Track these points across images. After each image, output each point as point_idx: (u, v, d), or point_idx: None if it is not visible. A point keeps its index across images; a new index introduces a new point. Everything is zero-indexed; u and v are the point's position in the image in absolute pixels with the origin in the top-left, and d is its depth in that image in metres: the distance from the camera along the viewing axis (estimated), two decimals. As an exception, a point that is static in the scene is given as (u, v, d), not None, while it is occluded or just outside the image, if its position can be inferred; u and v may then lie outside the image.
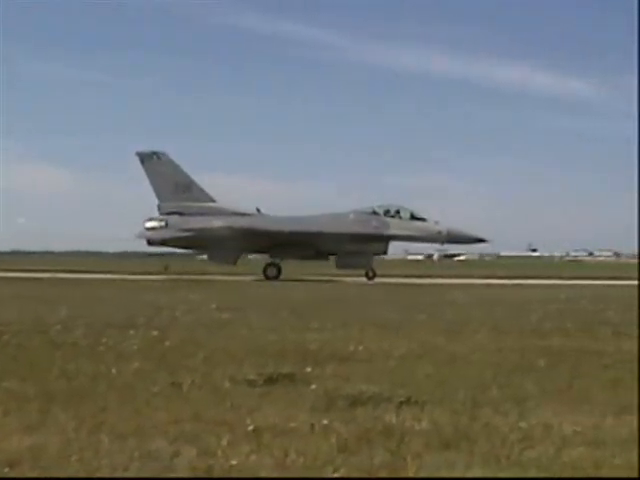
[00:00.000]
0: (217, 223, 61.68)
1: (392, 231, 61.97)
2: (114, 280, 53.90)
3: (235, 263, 63.59)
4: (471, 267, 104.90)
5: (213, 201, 64.06)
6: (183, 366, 14.26)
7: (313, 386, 12.38)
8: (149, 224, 63.27)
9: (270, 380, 12.78)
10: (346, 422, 9.88)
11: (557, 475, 7.94)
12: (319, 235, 60.88)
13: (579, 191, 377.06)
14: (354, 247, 60.76)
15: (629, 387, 12.62)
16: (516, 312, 27.42)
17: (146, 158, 63.94)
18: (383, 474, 7.92)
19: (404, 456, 8.42)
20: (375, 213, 62.88)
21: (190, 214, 62.57)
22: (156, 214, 63.89)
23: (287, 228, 60.92)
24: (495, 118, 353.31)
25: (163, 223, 62.73)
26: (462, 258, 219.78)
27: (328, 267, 65.16)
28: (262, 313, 25.81)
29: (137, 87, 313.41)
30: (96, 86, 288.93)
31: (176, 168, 64.06)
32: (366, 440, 9.07)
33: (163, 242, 64.04)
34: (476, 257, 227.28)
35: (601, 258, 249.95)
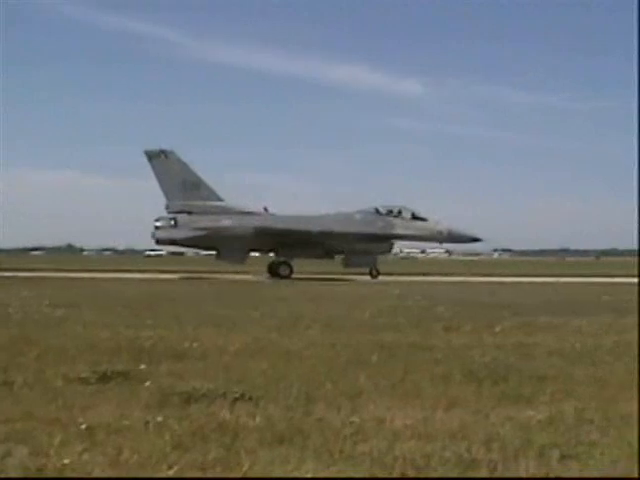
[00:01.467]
0: (227, 222, 61.40)
1: (397, 231, 62.99)
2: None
3: (244, 262, 63.16)
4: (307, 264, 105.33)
5: (221, 200, 63.26)
6: (14, 364, 13.96)
7: (147, 383, 12.33)
8: (158, 223, 62.01)
9: (104, 378, 12.66)
10: (180, 419, 9.89)
11: (389, 468, 8.12)
12: (329, 234, 61.23)
13: (408, 191, 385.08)
14: (362, 246, 61.58)
15: (458, 381, 12.98)
16: (349, 308, 27.78)
17: (154, 156, 62.57)
18: (217, 470, 7.96)
19: (238, 452, 8.48)
20: (379, 213, 63.58)
21: (199, 213, 61.75)
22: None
23: (298, 227, 60.94)
24: (327, 116, 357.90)
25: (172, 222, 61.64)
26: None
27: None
28: (96, 310, 25.44)
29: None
30: None
31: (184, 166, 62.91)
32: (200, 436, 9.10)
33: (173, 241, 63.22)
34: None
35: (433, 255, 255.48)
